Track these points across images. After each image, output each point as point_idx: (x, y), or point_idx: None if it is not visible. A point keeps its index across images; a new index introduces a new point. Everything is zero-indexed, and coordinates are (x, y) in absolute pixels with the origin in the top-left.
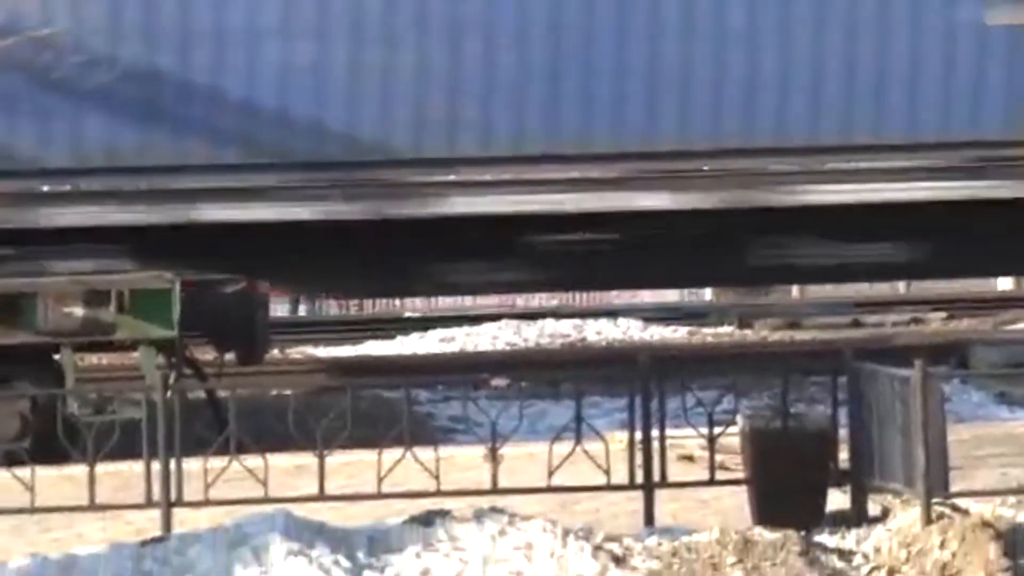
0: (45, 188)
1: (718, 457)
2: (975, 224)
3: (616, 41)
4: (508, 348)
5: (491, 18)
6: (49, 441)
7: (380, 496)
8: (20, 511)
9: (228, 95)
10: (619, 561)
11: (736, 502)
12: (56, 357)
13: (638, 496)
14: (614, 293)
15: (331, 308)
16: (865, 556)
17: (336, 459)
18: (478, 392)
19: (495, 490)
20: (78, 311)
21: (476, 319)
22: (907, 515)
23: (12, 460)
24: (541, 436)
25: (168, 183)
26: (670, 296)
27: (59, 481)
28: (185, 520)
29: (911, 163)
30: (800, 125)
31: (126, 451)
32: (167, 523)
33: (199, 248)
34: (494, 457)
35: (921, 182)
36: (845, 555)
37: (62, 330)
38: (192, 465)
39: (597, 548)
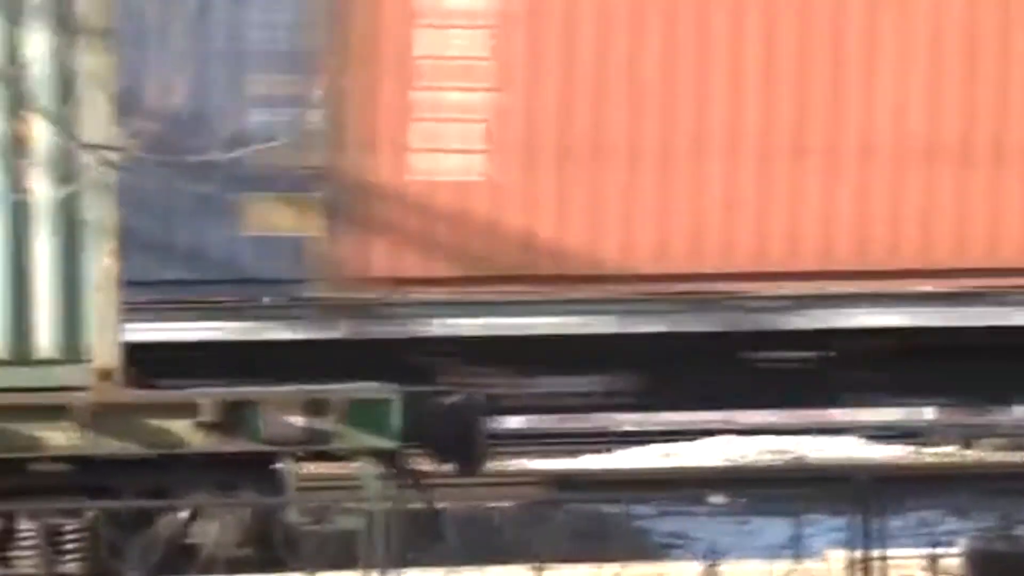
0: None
1: None
2: None
3: None
4: (726, 463)
5: None
6: (267, 550)
7: None
8: None
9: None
10: None
11: None
12: (276, 465)
13: None
14: (833, 410)
15: (549, 420)
16: None
17: (552, 573)
18: (696, 507)
19: None
20: (299, 420)
21: (694, 433)
22: None
23: (232, 569)
24: (759, 553)
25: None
26: (891, 414)
27: None
28: None
29: None
30: None
31: (343, 562)
32: None
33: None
34: (712, 575)
35: None
36: None
37: (283, 439)
38: None
39: None
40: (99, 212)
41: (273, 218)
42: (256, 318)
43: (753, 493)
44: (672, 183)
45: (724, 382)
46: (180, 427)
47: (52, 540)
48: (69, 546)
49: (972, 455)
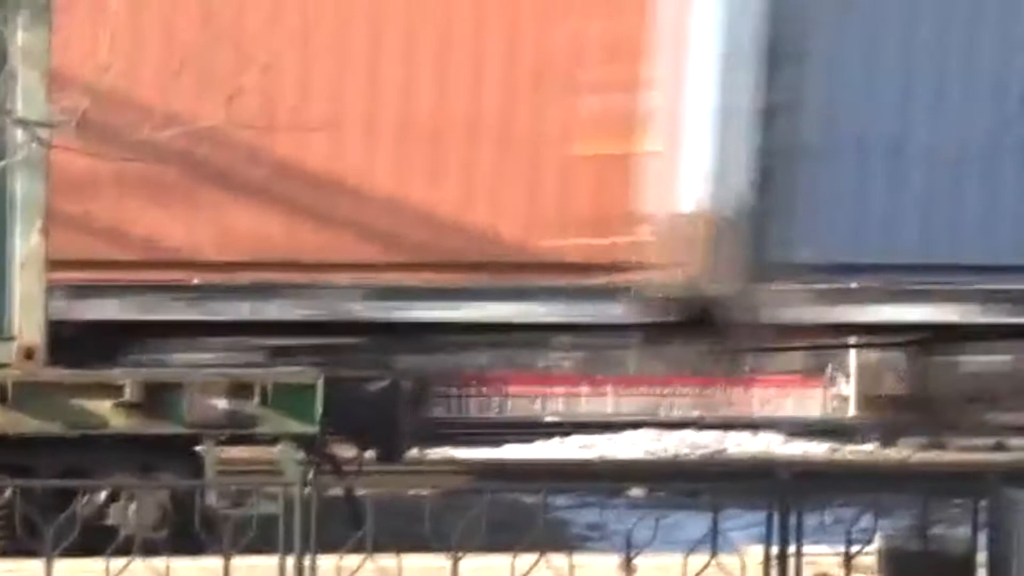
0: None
1: None
2: None
3: None
4: (647, 456)
5: None
6: (186, 532)
7: None
8: None
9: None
10: None
11: None
12: (197, 448)
13: None
14: (756, 406)
15: (471, 410)
16: None
17: (470, 562)
18: (616, 500)
19: None
20: (222, 403)
21: (617, 426)
22: None
23: (149, 550)
24: (677, 547)
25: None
26: (812, 411)
27: (194, 573)
28: None
29: None
30: None
31: (262, 545)
32: None
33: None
34: (628, 567)
35: None
36: None
37: (205, 422)
38: (326, 562)
39: None
40: (29, 189)
41: None
42: None
43: (673, 487)
44: None
45: None
46: (103, 407)
47: None
48: None
49: (891, 453)
